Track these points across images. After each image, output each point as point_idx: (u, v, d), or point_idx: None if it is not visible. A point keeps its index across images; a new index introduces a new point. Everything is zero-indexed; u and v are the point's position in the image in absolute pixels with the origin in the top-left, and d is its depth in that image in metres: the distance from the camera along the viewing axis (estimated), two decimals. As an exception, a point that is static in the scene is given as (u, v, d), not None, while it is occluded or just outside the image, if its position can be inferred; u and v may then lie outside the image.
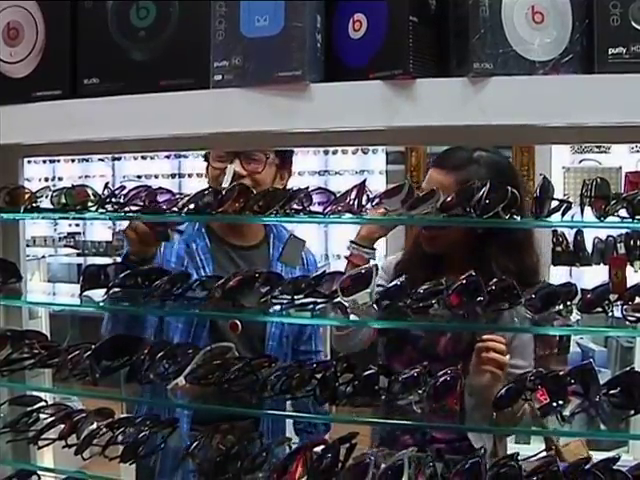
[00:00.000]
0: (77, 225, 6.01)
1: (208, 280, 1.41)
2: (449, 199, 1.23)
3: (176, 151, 1.81)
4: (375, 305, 1.25)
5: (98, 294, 1.41)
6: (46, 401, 1.57)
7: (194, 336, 1.77)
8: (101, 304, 1.42)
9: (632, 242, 3.07)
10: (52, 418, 1.47)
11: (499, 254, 1.70)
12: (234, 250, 1.90)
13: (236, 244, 1.91)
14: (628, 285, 1.30)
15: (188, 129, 1.21)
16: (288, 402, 1.47)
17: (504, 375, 1.56)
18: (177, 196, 1.37)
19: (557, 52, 1.05)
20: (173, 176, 5.50)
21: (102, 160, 5.73)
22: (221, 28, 1.16)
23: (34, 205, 1.44)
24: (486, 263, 1.68)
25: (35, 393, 1.58)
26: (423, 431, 1.70)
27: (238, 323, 1.79)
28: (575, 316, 1.24)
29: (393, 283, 1.27)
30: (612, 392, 1.20)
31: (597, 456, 1.28)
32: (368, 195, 1.26)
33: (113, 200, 1.37)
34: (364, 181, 1.28)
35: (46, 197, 1.44)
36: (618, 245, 3.21)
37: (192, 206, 1.32)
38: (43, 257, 4.79)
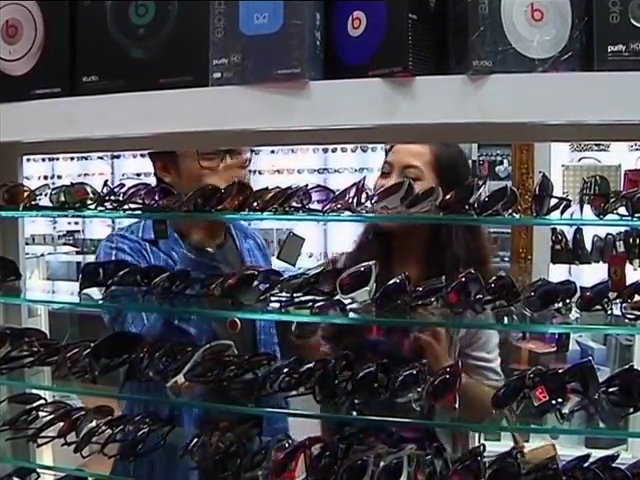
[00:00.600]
0: (76, 223, 6.03)
1: (207, 278, 1.41)
2: (448, 197, 1.23)
3: (175, 149, 1.78)
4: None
5: (97, 292, 1.41)
6: (45, 399, 1.57)
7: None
8: (100, 302, 1.42)
9: (631, 240, 3.07)
10: (51, 416, 1.47)
11: (458, 235, 1.71)
12: (207, 253, 1.82)
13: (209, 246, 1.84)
14: (627, 283, 1.30)
15: (187, 127, 1.21)
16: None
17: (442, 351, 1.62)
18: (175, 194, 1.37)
19: (556, 50, 1.05)
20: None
21: (101, 158, 5.74)
22: (220, 26, 1.16)
23: (33, 203, 1.44)
24: (444, 245, 1.70)
25: (34, 391, 1.58)
26: (390, 431, 1.69)
27: (237, 321, 1.78)
28: (574, 314, 1.24)
29: (392, 281, 1.27)
30: (611, 390, 1.20)
31: (596, 454, 1.28)
32: (367, 193, 1.26)
33: (112, 198, 1.37)
34: (363, 179, 1.28)
35: (45, 195, 1.44)
36: (617, 243, 3.22)
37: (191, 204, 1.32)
38: (42, 255, 4.79)
